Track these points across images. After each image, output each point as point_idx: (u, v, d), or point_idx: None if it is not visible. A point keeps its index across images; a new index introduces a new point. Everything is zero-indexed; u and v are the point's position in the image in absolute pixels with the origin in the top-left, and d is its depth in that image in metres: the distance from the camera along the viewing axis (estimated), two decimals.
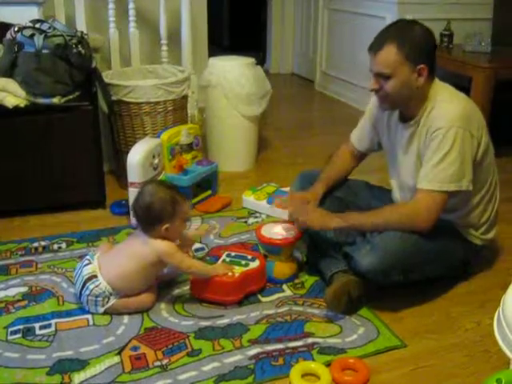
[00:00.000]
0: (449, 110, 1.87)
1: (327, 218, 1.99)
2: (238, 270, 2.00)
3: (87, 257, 1.98)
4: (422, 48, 1.87)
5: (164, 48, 3.30)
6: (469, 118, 1.88)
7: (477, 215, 2.06)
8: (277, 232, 2.13)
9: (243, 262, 2.06)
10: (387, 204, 2.12)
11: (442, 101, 1.90)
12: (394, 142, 2.09)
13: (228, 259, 2.09)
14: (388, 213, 1.94)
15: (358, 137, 2.26)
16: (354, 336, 1.84)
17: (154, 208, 1.88)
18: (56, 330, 1.84)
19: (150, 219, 1.89)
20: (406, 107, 1.97)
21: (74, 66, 2.56)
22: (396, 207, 2.02)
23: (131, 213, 2.41)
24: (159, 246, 1.89)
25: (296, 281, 2.15)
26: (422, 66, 1.87)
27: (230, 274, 1.98)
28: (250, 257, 2.10)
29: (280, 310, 1.97)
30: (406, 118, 2.00)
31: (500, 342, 1.18)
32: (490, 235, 2.14)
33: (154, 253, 1.89)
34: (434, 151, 1.86)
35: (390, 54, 1.85)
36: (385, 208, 1.98)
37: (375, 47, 1.89)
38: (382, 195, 2.26)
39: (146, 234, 1.92)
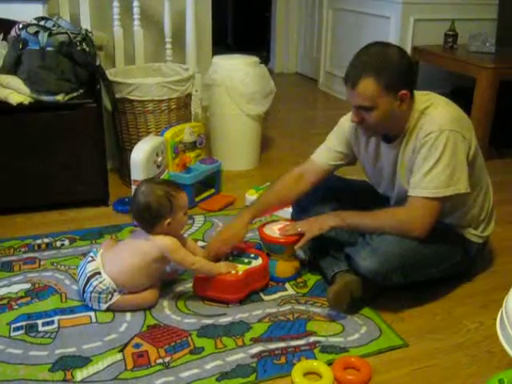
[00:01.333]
0: (437, 114, 1.85)
1: (324, 219, 1.99)
2: (240, 269, 2.00)
3: (91, 253, 1.98)
4: (400, 74, 1.80)
5: (168, 46, 3.30)
6: (458, 120, 1.86)
7: (474, 215, 2.05)
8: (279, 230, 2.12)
9: (246, 260, 2.06)
10: (386, 204, 2.11)
11: (428, 107, 1.87)
12: (380, 160, 2.05)
13: (231, 257, 2.09)
14: (384, 218, 1.93)
15: (326, 154, 2.15)
16: (357, 335, 1.84)
17: (152, 207, 1.88)
18: (59, 327, 1.85)
19: (151, 219, 1.89)
20: (389, 131, 1.94)
21: (78, 63, 2.56)
22: (392, 213, 1.97)
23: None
24: (162, 242, 1.89)
25: (298, 280, 2.15)
26: (403, 92, 1.81)
27: (233, 272, 1.98)
28: (252, 255, 2.10)
29: (282, 309, 1.97)
30: (389, 139, 1.97)
31: (503, 343, 1.18)
32: (489, 231, 2.13)
33: (157, 249, 1.89)
34: (426, 157, 1.83)
35: (368, 86, 1.78)
36: (381, 212, 1.96)
37: (351, 80, 1.81)
38: (381, 195, 2.25)
39: (148, 233, 1.92)
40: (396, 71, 1.80)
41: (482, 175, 2.04)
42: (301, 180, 2.16)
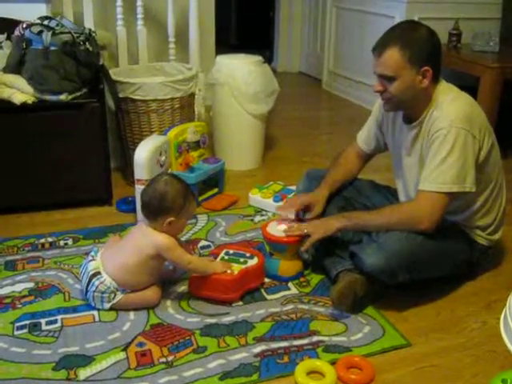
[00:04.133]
0: (451, 110, 1.86)
1: (330, 221, 2.00)
2: (236, 268, 2.00)
3: (91, 253, 1.99)
4: (425, 50, 1.86)
5: (171, 46, 3.31)
6: (471, 119, 1.86)
7: (482, 216, 2.05)
8: (283, 230, 2.12)
9: (241, 260, 2.05)
10: (393, 203, 2.12)
11: (444, 101, 1.89)
12: (399, 144, 2.08)
13: (226, 257, 2.08)
14: (391, 213, 1.94)
15: (364, 138, 2.25)
16: (360, 334, 1.84)
17: (167, 197, 1.88)
18: (62, 326, 1.85)
19: (160, 208, 1.88)
20: (410, 109, 1.97)
21: (81, 63, 2.56)
22: (398, 208, 2.01)
23: (137, 209, 2.42)
24: (158, 240, 1.89)
25: (301, 279, 2.15)
26: (426, 68, 1.86)
27: (228, 271, 1.98)
28: (248, 254, 2.10)
29: (285, 308, 1.97)
30: (410, 120, 2.00)
31: (507, 342, 1.18)
32: (497, 236, 2.12)
33: (153, 246, 1.89)
34: (436, 152, 1.85)
35: (392, 56, 1.84)
36: (388, 208, 1.98)
37: (378, 49, 1.88)
38: (389, 195, 2.26)
39: (149, 223, 1.91)
40: (422, 46, 1.86)
41: (494, 177, 2.03)
42: (358, 158, 2.28)
